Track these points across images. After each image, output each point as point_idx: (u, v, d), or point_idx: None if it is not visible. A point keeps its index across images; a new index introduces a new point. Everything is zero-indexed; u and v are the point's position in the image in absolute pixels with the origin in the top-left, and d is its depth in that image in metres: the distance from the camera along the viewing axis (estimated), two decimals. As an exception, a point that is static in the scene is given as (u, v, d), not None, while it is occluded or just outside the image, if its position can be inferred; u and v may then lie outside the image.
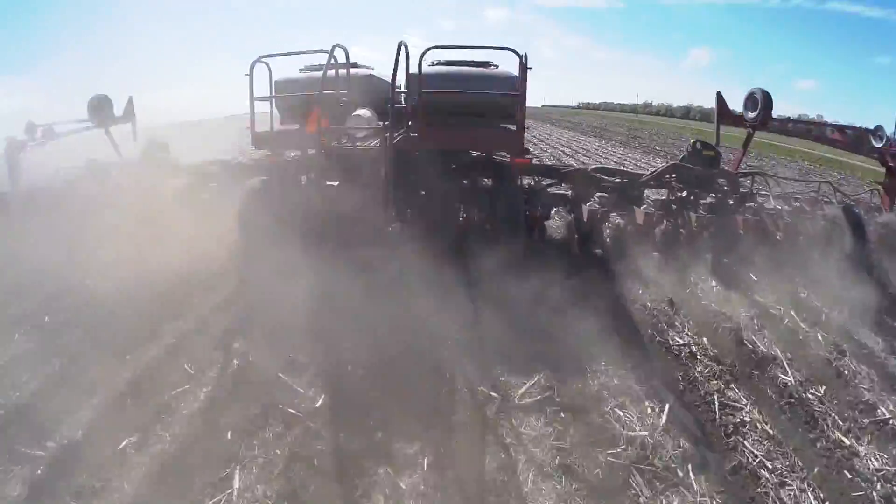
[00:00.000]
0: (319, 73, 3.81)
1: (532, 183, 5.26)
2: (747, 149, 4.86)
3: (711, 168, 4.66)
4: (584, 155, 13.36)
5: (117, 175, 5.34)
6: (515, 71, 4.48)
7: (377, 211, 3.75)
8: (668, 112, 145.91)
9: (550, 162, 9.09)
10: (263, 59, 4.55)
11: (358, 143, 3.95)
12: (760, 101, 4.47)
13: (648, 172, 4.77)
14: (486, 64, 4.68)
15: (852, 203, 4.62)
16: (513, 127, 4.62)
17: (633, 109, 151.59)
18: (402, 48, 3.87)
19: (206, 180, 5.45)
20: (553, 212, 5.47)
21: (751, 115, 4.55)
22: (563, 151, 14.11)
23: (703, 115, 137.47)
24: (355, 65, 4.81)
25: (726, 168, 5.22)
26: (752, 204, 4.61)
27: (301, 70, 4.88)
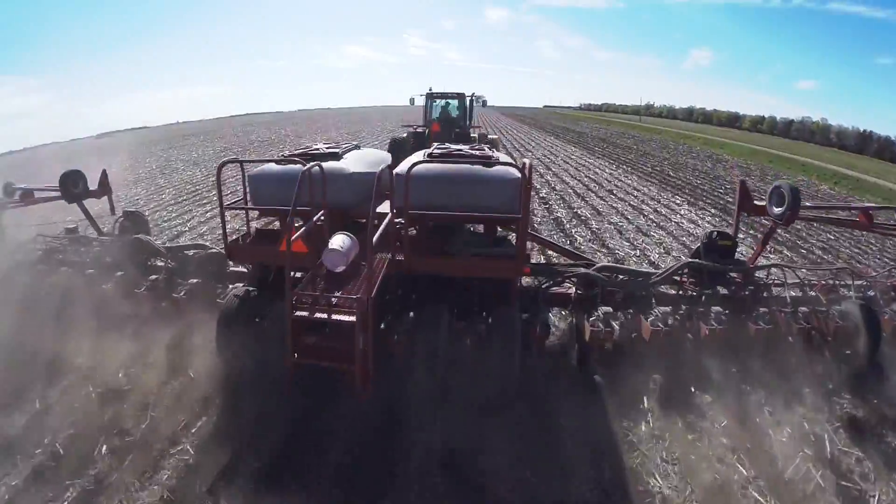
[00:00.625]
0: (297, 168, 3.47)
1: (534, 283, 4.52)
2: (766, 245, 4.61)
3: (727, 258, 4.33)
4: (596, 194, 11.71)
5: (95, 251, 4.90)
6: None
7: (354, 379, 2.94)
8: (670, 114, 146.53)
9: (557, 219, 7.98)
10: (234, 161, 4.13)
11: (335, 297, 3.07)
12: (788, 198, 4.11)
13: (660, 271, 4.33)
14: (486, 158, 3.89)
15: (868, 287, 4.35)
16: (513, 235, 4.08)
17: (636, 111, 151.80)
18: (390, 176, 3.39)
19: (187, 270, 4.75)
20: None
21: (776, 210, 4.21)
22: (573, 189, 12.35)
23: (706, 117, 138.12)
24: (334, 155, 4.10)
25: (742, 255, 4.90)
26: (765, 294, 4.26)
27: (279, 162, 4.15)
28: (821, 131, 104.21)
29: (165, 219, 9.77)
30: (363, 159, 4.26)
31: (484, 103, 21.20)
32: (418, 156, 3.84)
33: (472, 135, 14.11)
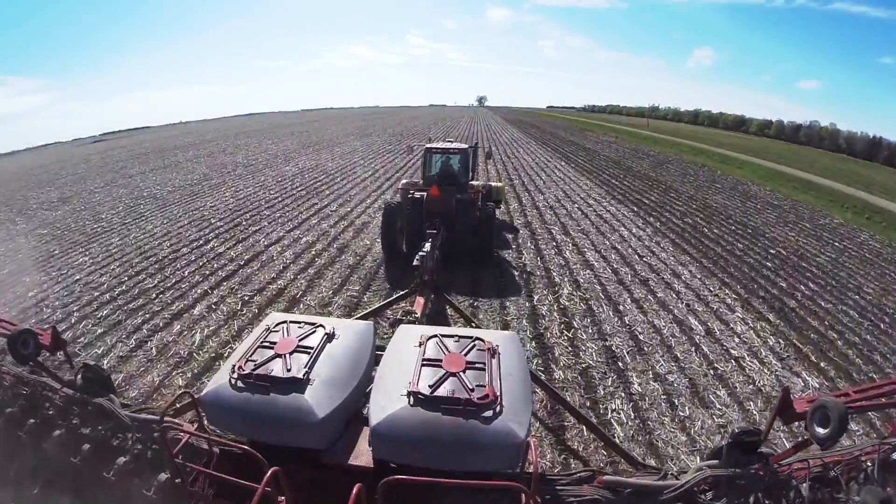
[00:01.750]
0: (259, 401, 3.05)
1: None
2: (797, 451, 3.91)
3: (751, 454, 3.84)
4: (630, 294, 9.29)
5: (61, 399, 4.51)
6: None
7: None
8: (675, 116, 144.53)
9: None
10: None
11: None
12: (834, 424, 3.47)
13: (677, 483, 3.63)
14: (484, 404, 2.99)
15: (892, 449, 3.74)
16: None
17: (641, 113, 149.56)
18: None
19: (153, 460, 3.87)
20: None
21: (818, 430, 3.56)
22: (601, 280, 9.92)
23: (712, 120, 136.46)
24: (297, 384, 3.17)
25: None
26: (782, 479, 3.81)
27: (235, 383, 3.23)
28: (830, 137, 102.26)
29: (71, 348, 7.52)
30: (337, 373, 3.32)
31: (489, 155, 19.15)
32: (400, 388, 3.14)
33: (473, 183, 12.58)
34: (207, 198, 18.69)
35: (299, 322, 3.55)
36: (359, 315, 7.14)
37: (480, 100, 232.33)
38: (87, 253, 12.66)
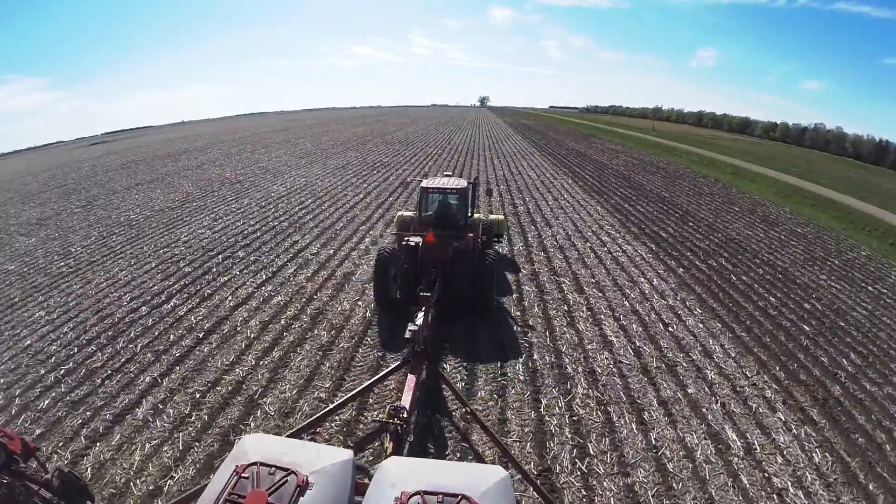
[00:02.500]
0: None
1: None
2: None
3: None
4: (653, 390, 7.77)
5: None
6: None
7: None
8: (680, 118, 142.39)
9: None
10: None
11: None
12: None
13: None
14: None
15: None
16: None
17: (644, 114, 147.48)
18: None
19: None
20: None
21: None
22: (618, 355, 8.65)
23: (716, 122, 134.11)
24: None
25: None
26: None
27: None
28: (836, 140, 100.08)
29: None
30: None
31: (489, 192, 17.77)
32: None
33: (476, 216, 11.91)
34: (183, 228, 17.23)
35: (270, 467, 3.27)
36: (345, 398, 6.84)
37: (482, 100, 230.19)
38: (46, 305, 11.35)
